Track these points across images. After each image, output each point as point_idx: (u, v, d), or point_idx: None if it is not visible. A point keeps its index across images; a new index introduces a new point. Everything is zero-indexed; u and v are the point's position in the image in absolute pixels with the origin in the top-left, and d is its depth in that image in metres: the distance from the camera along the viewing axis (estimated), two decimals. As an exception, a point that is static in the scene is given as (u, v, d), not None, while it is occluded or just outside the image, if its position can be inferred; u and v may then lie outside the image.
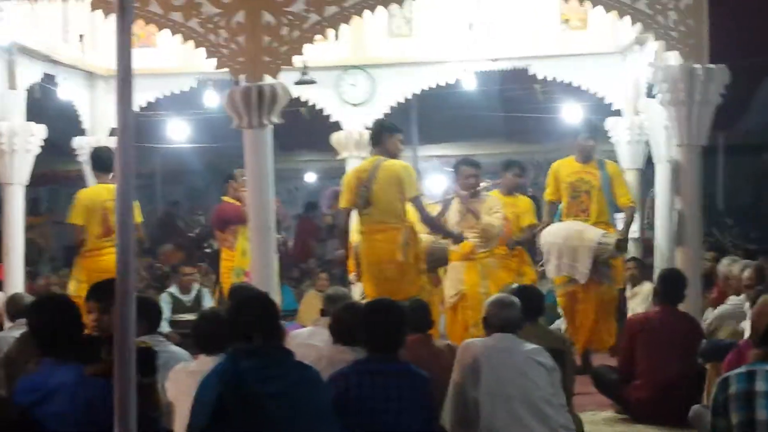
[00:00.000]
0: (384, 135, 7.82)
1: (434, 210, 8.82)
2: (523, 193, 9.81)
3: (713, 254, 9.55)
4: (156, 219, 17.73)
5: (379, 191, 7.57)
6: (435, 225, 7.95)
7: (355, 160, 9.93)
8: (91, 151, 9.31)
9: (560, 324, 10.43)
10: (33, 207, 15.45)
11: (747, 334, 6.84)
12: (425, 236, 8.06)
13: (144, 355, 3.60)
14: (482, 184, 8.68)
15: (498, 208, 8.54)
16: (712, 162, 14.99)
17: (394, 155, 7.77)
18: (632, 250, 9.54)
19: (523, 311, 5.67)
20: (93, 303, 4.49)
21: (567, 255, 8.59)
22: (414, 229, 7.71)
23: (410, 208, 7.92)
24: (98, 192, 8.62)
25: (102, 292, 4.43)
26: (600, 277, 8.59)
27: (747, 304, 7.19)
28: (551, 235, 8.76)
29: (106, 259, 8.36)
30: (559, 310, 9.42)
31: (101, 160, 8.77)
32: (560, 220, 9.09)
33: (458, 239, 8.14)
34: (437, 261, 8.18)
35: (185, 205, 19.18)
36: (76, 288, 8.38)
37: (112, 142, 9.83)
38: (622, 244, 8.59)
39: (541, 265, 9.08)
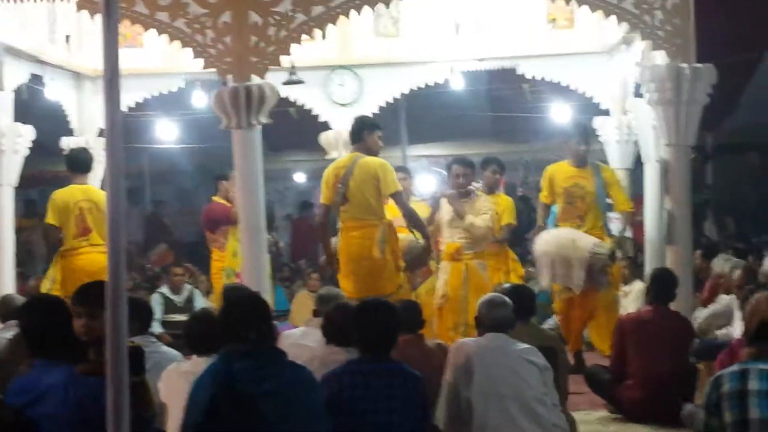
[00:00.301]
0: (364, 132, 7.86)
1: (424, 210, 8.83)
2: (514, 193, 9.79)
3: (700, 252, 9.55)
4: (143, 219, 17.70)
5: (355, 188, 7.62)
6: (417, 220, 7.95)
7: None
8: (67, 152, 9.30)
9: (552, 323, 10.44)
10: (27, 209, 15.39)
11: (736, 333, 6.86)
12: (403, 235, 8.06)
13: (132, 354, 3.58)
14: (474, 185, 8.61)
15: (487, 209, 8.44)
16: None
17: (373, 152, 7.81)
18: (625, 249, 9.47)
19: (515, 311, 5.65)
20: (80, 308, 4.40)
21: (560, 265, 8.45)
22: (392, 226, 7.74)
23: (390, 205, 8.01)
24: (72, 193, 8.65)
25: (89, 296, 4.36)
26: (597, 284, 8.48)
27: (736, 303, 7.19)
28: (544, 243, 8.67)
29: (83, 259, 8.43)
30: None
31: (78, 161, 8.82)
32: (556, 225, 8.99)
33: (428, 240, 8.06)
34: (415, 260, 8.12)
35: (174, 205, 19.14)
36: (49, 288, 8.40)
37: (100, 143, 9.79)
38: (614, 251, 8.48)
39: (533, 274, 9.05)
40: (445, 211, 8.52)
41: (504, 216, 9.09)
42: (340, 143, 10.40)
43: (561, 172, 8.93)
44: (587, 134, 9.09)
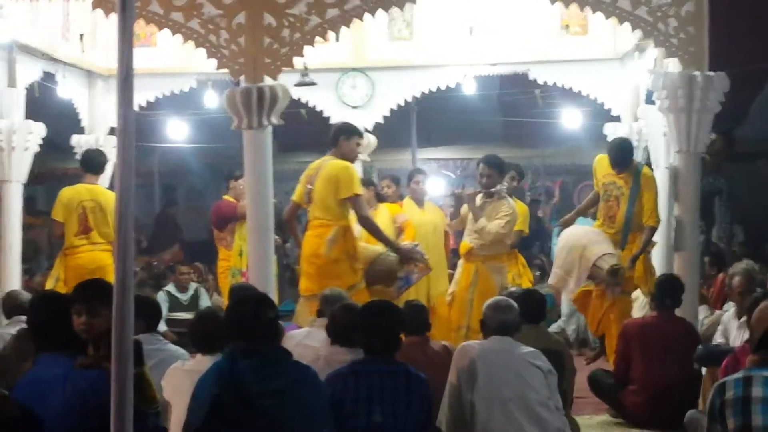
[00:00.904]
0: (340, 137, 7.99)
1: (436, 212, 8.90)
2: (523, 197, 9.72)
3: (709, 259, 9.54)
4: (154, 218, 17.74)
5: (318, 189, 7.76)
6: (373, 228, 7.97)
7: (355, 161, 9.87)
8: (83, 151, 9.45)
9: (560, 326, 10.44)
10: (27, 206, 15.43)
11: (732, 339, 6.86)
12: (372, 246, 8.08)
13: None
14: (498, 187, 8.45)
15: (504, 214, 8.31)
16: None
17: (348, 158, 7.92)
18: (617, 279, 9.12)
19: (524, 315, 5.68)
20: (81, 306, 4.39)
21: (564, 267, 8.37)
22: (347, 229, 7.76)
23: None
24: (78, 191, 8.89)
25: (89, 294, 4.36)
26: (610, 291, 8.15)
27: (732, 311, 7.16)
28: (563, 239, 8.53)
29: (84, 257, 8.63)
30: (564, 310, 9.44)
31: (91, 161, 9.07)
32: (594, 218, 8.84)
33: (397, 250, 7.92)
34: (382, 274, 7.98)
35: (182, 204, 19.18)
36: (53, 285, 8.55)
37: (110, 141, 9.84)
38: (617, 271, 7.94)
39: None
40: (466, 209, 8.52)
41: (517, 223, 9.04)
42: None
43: (602, 166, 8.51)
44: (625, 155, 8.38)
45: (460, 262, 8.55)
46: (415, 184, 9.44)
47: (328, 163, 7.84)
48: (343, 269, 7.66)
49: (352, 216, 7.90)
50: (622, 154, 8.36)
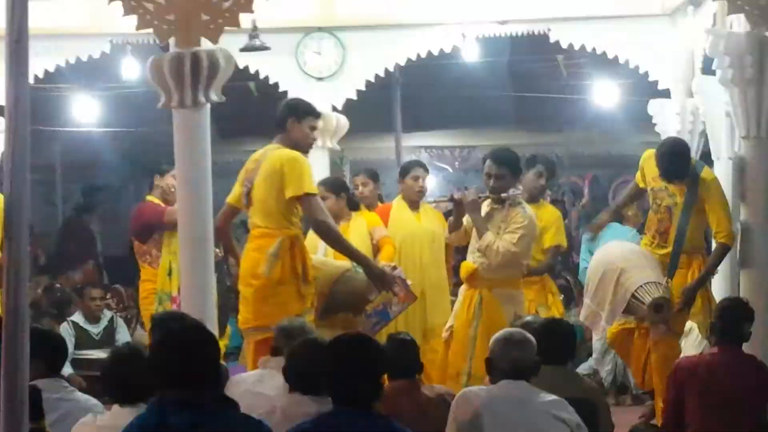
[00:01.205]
0: (288, 118, 7.82)
1: (437, 217, 8.89)
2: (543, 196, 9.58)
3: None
4: (60, 227, 17.69)
5: (258, 187, 7.68)
6: (332, 236, 7.85)
7: (320, 150, 9.87)
8: None
9: (591, 366, 10.44)
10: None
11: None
12: (336, 262, 8.08)
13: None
14: (511, 191, 8.10)
15: (517, 227, 7.98)
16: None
17: (298, 146, 7.77)
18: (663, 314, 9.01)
19: (545, 352, 5.68)
20: None
21: (595, 298, 8.28)
22: (295, 240, 7.64)
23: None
24: None
25: None
26: (653, 331, 8.16)
27: None
28: (595, 260, 8.47)
29: None
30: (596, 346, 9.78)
31: None
32: (639, 233, 8.81)
33: (368, 268, 7.87)
34: (348, 299, 7.96)
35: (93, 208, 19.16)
36: None
37: (-2, 123, 9.83)
38: (662, 305, 7.89)
39: None
40: (468, 220, 8.26)
41: (547, 236, 9.01)
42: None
43: (652, 165, 8.36)
44: (680, 165, 8.18)
45: (462, 287, 8.34)
46: (412, 180, 9.33)
47: (271, 154, 7.72)
48: (287, 293, 7.54)
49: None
50: (675, 162, 8.18)
